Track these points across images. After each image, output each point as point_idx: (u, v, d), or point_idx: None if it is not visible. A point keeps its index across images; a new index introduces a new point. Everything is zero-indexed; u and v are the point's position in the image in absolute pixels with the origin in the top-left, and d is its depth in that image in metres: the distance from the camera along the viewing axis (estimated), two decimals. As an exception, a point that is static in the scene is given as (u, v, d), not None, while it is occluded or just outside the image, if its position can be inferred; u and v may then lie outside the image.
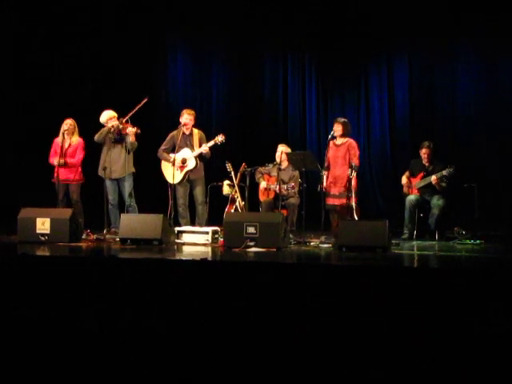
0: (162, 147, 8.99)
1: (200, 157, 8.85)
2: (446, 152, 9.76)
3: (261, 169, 9.70)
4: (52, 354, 5.32)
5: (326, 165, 8.64)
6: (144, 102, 8.83)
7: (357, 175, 8.46)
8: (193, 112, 9.02)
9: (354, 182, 8.39)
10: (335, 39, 11.44)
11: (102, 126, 9.09)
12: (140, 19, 11.62)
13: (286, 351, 5.02)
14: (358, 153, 8.61)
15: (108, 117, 9.06)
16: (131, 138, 8.86)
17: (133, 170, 9.10)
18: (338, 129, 8.63)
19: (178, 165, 8.79)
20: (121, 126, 8.90)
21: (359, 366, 4.86)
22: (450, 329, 4.86)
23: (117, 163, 8.95)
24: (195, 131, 8.97)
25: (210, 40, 12.00)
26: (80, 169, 9.15)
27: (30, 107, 11.32)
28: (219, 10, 11.58)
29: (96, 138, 9.04)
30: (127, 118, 8.92)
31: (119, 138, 8.96)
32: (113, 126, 8.91)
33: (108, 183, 9.00)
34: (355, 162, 8.45)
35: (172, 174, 8.80)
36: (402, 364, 4.81)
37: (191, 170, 8.84)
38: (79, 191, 9.10)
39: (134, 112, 8.89)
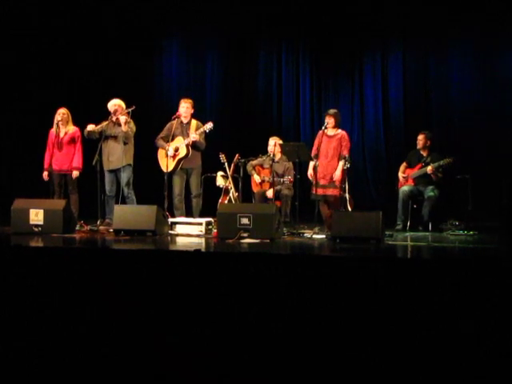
0: (160, 135, 8.98)
1: (192, 146, 8.83)
2: (440, 144, 9.77)
3: (252, 161, 9.71)
4: (46, 346, 5.32)
5: (313, 153, 8.62)
6: (131, 109, 8.84)
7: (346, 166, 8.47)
8: (190, 101, 9.00)
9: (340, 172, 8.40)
10: (329, 31, 11.42)
11: (104, 116, 9.10)
12: (135, 9, 11.57)
13: (280, 342, 5.03)
14: (349, 145, 8.61)
15: (112, 104, 9.07)
16: (123, 127, 8.83)
17: (131, 161, 9.06)
18: (330, 121, 8.61)
19: (171, 154, 8.79)
20: (97, 129, 8.90)
21: (353, 357, 4.88)
22: (444, 319, 4.87)
23: (114, 154, 8.93)
24: (193, 121, 8.96)
25: (204, 31, 11.95)
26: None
27: (25, 97, 11.29)
28: (215, 2, 11.56)
29: (85, 134, 9.03)
30: (115, 118, 8.92)
31: (110, 133, 8.96)
32: (90, 131, 8.92)
33: (106, 174, 9.00)
34: (345, 153, 8.44)
35: (165, 162, 8.81)
36: (396, 355, 4.83)
37: (184, 159, 8.82)
38: (76, 181, 9.07)
39: (113, 119, 8.92)
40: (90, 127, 8.91)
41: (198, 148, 8.90)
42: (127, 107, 8.96)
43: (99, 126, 8.92)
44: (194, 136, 8.74)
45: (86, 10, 11.42)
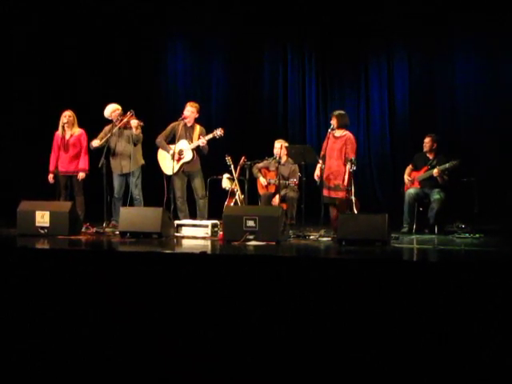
0: (162, 135, 8.96)
1: (197, 150, 8.83)
2: (445, 146, 9.74)
3: (258, 164, 9.71)
4: (51, 348, 5.33)
5: (321, 154, 8.59)
6: (128, 115, 8.87)
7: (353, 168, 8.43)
8: (196, 105, 8.96)
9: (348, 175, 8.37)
10: (335, 33, 11.44)
11: (105, 120, 9.09)
12: (140, 11, 11.59)
13: (285, 344, 5.03)
14: (354, 147, 8.53)
15: (112, 110, 9.05)
16: (135, 131, 8.85)
17: (142, 162, 9.12)
18: (333, 122, 8.57)
19: (176, 157, 8.77)
20: (104, 140, 8.89)
21: (358, 359, 4.87)
22: (449, 322, 4.86)
23: (126, 158, 8.95)
24: (197, 126, 8.94)
25: (209, 34, 11.97)
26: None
27: (30, 99, 11.31)
28: (219, 2, 11.57)
29: (91, 148, 9.01)
30: (116, 128, 8.92)
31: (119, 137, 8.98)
32: (96, 147, 8.91)
33: (116, 177, 9.02)
34: (351, 155, 8.36)
35: (168, 164, 8.80)
36: (401, 357, 4.82)
37: (187, 162, 8.82)
38: (81, 183, 9.08)
39: (121, 125, 8.91)
40: (96, 143, 8.91)
41: (202, 153, 8.89)
42: (124, 110, 8.99)
43: (105, 137, 8.90)
44: (202, 141, 8.72)
45: (87, 11, 11.43)
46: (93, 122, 9.25)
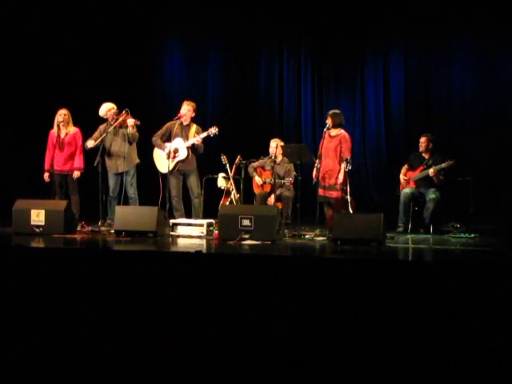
0: (158, 133, 8.95)
1: (192, 148, 8.81)
2: (441, 145, 9.75)
3: (254, 163, 9.70)
4: (47, 348, 5.32)
5: (318, 153, 8.58)
6: (124, 114, 8.86)
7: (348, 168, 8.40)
8: (192, 104, 8.96)
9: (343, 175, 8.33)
10: (331, 33, 11.41)
11: (100, 119, 9.08)
12: (137, 10, 11.57)
13: (281, 344, 5.03)
14: (349, 146, 8.48)
15: (107, 109, 9.05)
16: (131, 130, 8.84)
17: (137, 161, 9.12)
18: (328, 121, 8.53)
19: (171, 156, 8.75)
20: (99, 140, 8.87)
21: (354, 359, 4.87)
22: (445, 321, 4.87)
23: (121, 157, 8.94)
24: (193, 125, 8.93)
25: (206, 33, 11.94)
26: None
27: (26, 97, 11.29)
28: (216, 2, 11.55)
29: (85, 148, 9.00)
30: (111, 127, 8.91)
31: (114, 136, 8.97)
32: (91, 148, 8.90)
33: (111, 176, 9.01)
34: (346, 154, 8.33)
35: (163, 163, 8.78)
36: (397, 357, 4.83)
37: (182, 161, 8.80)
38: (76, 182, 9.07)
39: (116, 124, 8.91)
40: (90, 143, 8.90)
41: (197, 151, 8.88)
42: (119, 109, 9.00)
43: (99, 137, 8.89)
44: (197, 139, 8.71)
45: (86, 10, 11.41)
46: (90, 122, 9.23)
